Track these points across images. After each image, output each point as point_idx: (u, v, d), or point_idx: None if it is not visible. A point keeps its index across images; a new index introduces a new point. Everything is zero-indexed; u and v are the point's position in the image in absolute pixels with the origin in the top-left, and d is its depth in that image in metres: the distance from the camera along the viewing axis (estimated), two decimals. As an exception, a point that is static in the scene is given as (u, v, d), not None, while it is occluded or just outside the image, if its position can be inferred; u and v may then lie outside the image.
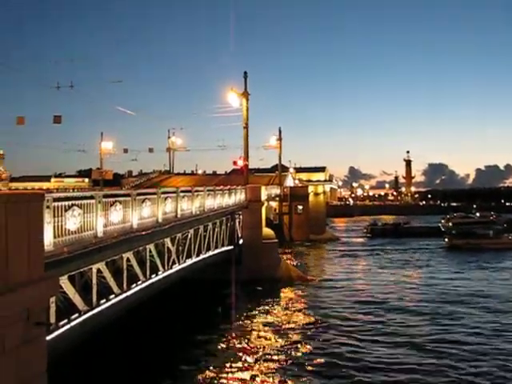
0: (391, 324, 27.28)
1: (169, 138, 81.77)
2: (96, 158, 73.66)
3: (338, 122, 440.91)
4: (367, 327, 26.56)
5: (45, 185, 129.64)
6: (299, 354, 22.44)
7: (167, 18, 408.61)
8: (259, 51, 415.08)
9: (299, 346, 23.55)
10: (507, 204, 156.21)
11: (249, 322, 27.56)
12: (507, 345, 23.73)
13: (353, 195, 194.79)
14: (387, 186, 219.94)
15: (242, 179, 47.30)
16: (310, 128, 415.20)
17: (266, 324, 27.25)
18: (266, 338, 24.70)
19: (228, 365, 20.69)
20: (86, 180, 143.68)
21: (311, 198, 79.75)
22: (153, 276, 21.10)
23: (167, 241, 22.94)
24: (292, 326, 26.98)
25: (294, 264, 46.55)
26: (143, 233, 19.11)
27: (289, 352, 22.58)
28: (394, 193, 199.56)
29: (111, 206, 16.76)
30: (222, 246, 33.82)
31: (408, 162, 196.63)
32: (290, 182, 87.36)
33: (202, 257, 28.64)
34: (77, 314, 14.91)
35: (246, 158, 47.89)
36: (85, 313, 15.27)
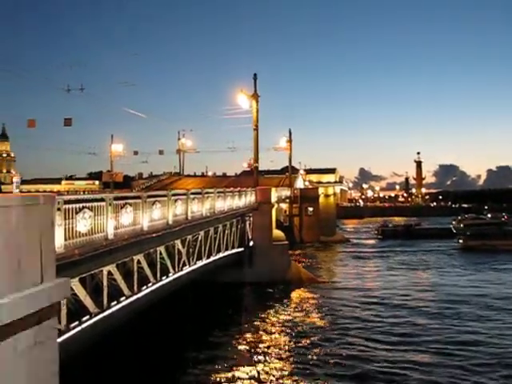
0: (406, 326, 27.01)
1: (179, 139, 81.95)
2: (106, 160, 74.07)
3: (348, 123, 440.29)
4: (379, 329, 26.31)
5: (56, 187, 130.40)
6: (310, 355, 22.35)
7: (177, 20, 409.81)
8: (269, 53, 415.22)
9: (310, 347, 23.49)
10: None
11: (259, 323, 27.51)
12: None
13: (363, 197, 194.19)
14: (398, 187, 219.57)
15: (251, 181, 47.30)
16: (320, 129, 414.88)
17: (276, 326, 27.21)
18: (277, 340, 24.66)
19: (239, 367, 20.66)
20: (97, 182, 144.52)
21: (321, 199, 79.55)
22: (163, 278, 21.13)
23: (178, 243, 22.97)
24: (303, 327, 26.90)
25: (305, 266, 46.38)
26: (154, 235, 19.15)
27: (300, 354, 22.54)
28: (405, 194, 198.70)
29: (122, 208, 16.81)
30: (233, 247, 33.83)
31: (418, 163, 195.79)
32: (300, 183, 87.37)
33: (212, 259, 28.66)
34: (88, 316, 14.95)
35: (256, 159, 47.87)
36: (96, 315, 15.31)
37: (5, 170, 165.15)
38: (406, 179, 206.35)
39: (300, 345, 23.83)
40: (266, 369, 20.61)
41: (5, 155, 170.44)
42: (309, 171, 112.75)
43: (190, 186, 67.29)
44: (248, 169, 62.20)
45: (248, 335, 25.25)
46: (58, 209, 12.39)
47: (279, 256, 39.19)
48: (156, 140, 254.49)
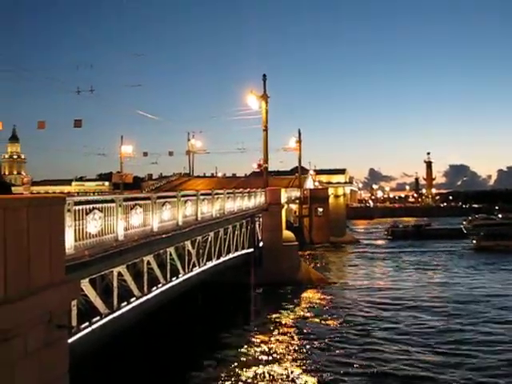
0: (421, 327, 26.85)
1: (188, 140, 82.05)
2: (116, 161, 74.20)
3: (358, 123, 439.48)
4: (392, 330, 26.17)
5: (66, 188, 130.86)
6: (321, 356, 22.30)
7: (187, 20, 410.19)
8: (279, 53, 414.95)
9: (320, 348, 23.45)
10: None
11: (269, 324, 27.46)
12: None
13: (373, 197, 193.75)
14: (408, 187, 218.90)
15: (261, 182, 47.22)
16: (330, 130, 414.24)
17: (286, 327, 27.16)
18: (287, 341, 24.59)
19: (248, 368, 20.61)
20: (107, 183, 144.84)
21: (331, 200, 79.42)
22: (173, 279, 21.13)
23: (187, 244, 22.97)
24: (313, 328, 26.84)
25: (315, 267, 46.29)
26: (163, 236, 19.15)
27: (310, 354, 22.50)
28: (415, 194, 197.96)
29: (132, 209, 16.83)
30: (243, 248, 33.80)
31: (429, 164, 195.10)
32: (309, 184, 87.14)
33: (222, 259, 28.63)
34: (98, 317, 14.97)
35: (266, 160, 47.82)
36: (106, 316, 15.33)
37: (15, 172, 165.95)
38: (416, 180, 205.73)
39: (310, 346, 23.76)
40: (277, 370, 20.54)
41: (15, 157, 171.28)
42: (318, 172, 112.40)
43: (200, 186, 67.32)
44: (257, 169, 62.11)
45: (258, 336, 25.21)
46: (68, 210, 12.41)
47: (289, 257, 39.10)
48: (166, 141, 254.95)
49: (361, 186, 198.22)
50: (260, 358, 22.00)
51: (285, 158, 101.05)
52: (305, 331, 26.27)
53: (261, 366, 20.89)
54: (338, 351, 22.99)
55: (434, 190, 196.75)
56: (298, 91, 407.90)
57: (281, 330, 26.39)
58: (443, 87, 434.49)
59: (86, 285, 13.88)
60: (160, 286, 19.68)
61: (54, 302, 8.02)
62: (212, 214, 26.59)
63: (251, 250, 35.88)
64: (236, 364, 21.11)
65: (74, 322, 13.10)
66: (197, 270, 24.18)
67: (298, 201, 70.11)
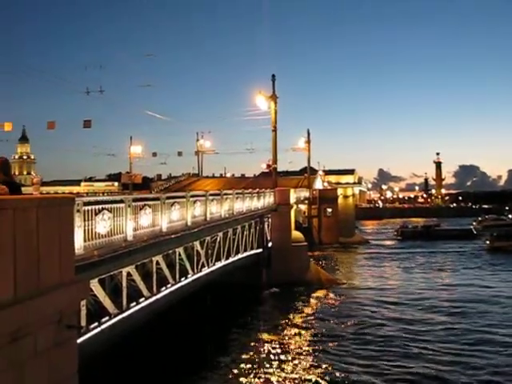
0: (432, 329, 26.70)
1: (197, 140, 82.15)
2: (125, 161, 74.53)
3: (367, 123, 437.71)
4: (401, 332, 26.00)
5: (75, 189, 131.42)
6: (330, 356, 22.26)
7: (197, 23, 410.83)
8: (288, 54, 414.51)
9: (329, 348, 23.41)
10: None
11: (279, 325, 27.41)
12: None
13: (382, 197, 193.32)
14: (417, 188, 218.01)
15: (270, 182, 47.25)
16: (339, 130, 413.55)
17: (296, 327, 27.11)
18: (296, 342, 24.58)
19: (258, 368, 20.59)
20: (116, 184, 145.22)
21: (340, 200, 79.25)
22: (182, 279, 21.15)
23: (196, 244, 23.00)
24: (323, 329, 26.77)
25: (324, 267, 46.20)
26: (172, 236, 19.18)
27: (319, 355, 22.46)
28: (424, 195, 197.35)
29: (141, 209, 16.86)
30: (251, 249, 33.81)
31: (438, 164, 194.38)
32: (318, 184, 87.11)
33: (231, 260, 28.65)
34: (107, 317, 15.00)
35: (275, 160, 47.82)
36: (115, 316, 15.36)
37: (25, 172, 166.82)
38: (426, 180, 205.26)
39: (320, 346, 23.72)
40: (286, 370, 20.53)
41: (25, 157, 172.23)
42: (327, 172, 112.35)
43: (209, 186, 67.39)
44: (266, 170, 62.21)
45: (267, 336, 25.18)
46: (78, 210, 12.45)
47: (298, 257, 39.06)
48: (175, 141, 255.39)
49: (370, 186, 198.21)
50: (269, 358, 21.95)
51: (294, 159, 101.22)
52: (314, 331, 26.24)
53: (270, 366, 20.86)
54: (347, 351, 22.95)
55: (443, 191, 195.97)
56: (307, 91, 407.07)
57: (290, 331, 26.36)
58: (453, 87, 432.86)
59: (95, 285, 13.91)
60: (169, 286, 19.70)
61: (64, 301, 8.03)
62: (221, 214, 26.61)
63: (260, 250, 35.88)
64: (245, 364, 21.06)
65: (84, 322, 13.13)
66: (206, 271, 24.21)
67: (307, 201, 70.04)
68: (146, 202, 17.45)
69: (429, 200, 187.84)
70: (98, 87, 43.41)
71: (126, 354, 19.17)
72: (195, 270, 22.81)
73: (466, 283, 40.15)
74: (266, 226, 37.99)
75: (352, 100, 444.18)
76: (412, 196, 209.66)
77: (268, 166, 61.51)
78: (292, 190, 44.49)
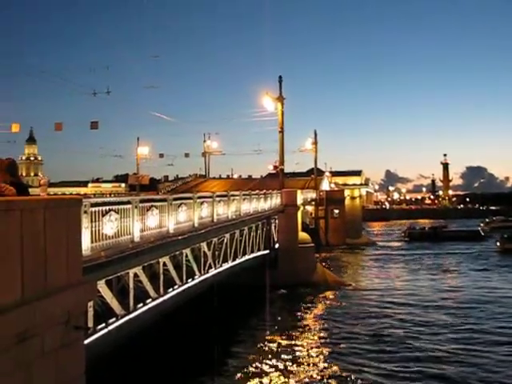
0: (438, 331, 26.48)
1: (204, 141, 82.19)
2: (132, 163, 74.85)
3: (374, 125, 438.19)
4: (408, 334, 25.85)
5: (82, 190, 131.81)
6: (337, 356, 22.21)
7: (203, 24, 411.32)
8: (295, 55, 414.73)
9: (336, 349, 23.36)
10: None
11: (285, 326, 27.36)
12: None
13: (389, 199, 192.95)
14: (424, 189, 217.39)
15: (277, 183, 47.21)
16: (346, 131, 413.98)
17: (302, 328, 27.07)
18: (302, 342, 24.52)
19: (264, 370, 20.56)
20: (123, 185, 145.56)
21: (347, 201, 79.17)
22: (189, 280, 21.16)
23: (203, 245, 23.00)
24: (329, 330, 26.76)
25: (331, 268, 46.07)
26: (179, 237, 19.17)
27: (327, 356, 22.40)
28: (431, 196, 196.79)
29: (148, 210, 16.86)
30: (258, 250, 33.79)
31: (445, 165, 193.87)
32: (325, 185, 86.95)
33: (238, 261, 28.65)
34: (114, 319, 15.01)
35: (282, 162, 47.79)
36: (122, 317, 15.37)
37: (32, 173, 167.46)
38: (433, 181, 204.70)
39: (327, 347, 23.67)
40: (293, 372, 20.48)
41: (32, 158, 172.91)
42: (334, 173, 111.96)
43: (216, 188, 67.44)
44: (273, 171, 62.20)
45: (274, 338, 25.09)
46: (85, 211, 12.46)
47: (305, 258, 39.02)
48: (182, 143, 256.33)
49: (377, 187, 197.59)
50: (276, 359, 21.88)
51: (301, 160, 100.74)
52: (321, 333, 26.22)
53: (277, 368, 20.81)
54: (354, 352, 22.88)
55: (450, 192, 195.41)
56: (314, 93, 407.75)
57: (297, 332, 26.29)
58: (461, 88, 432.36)
59: (102, 286, 13.93)
60: (176, 287, 19.70)
61: (71, 302, 8.04)
62: (228, 215, 26.60)
63: (267, 251, 35.85)
64: (252, 366, 21.02)
65: (91, 324, 13.15)
66: (212, 272, 24.20)
67: (313, 202, 69.95)
68: (153, 203, 17.45)
69: (436, 201, 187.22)
70: (105, 88, 43.50)
71: (133, 354, 19.19)
72: (202, 272, 22.82)
73: (475, 285, 39.86)
74: (272, 228, 37.97)
75: (359, 101, 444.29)
76: (419, 197, 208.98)
77: (275, 167, 61.67)
78: (299, 192, 44.44)
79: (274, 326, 27.31)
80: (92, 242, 13.04)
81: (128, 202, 15.57)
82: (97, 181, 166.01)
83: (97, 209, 13.45)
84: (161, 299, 18.17)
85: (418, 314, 29.79)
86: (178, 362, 20.63)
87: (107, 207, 14.12)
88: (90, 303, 12.42)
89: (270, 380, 19.67)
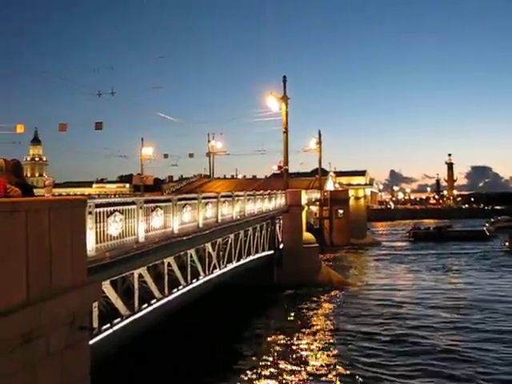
0: (445, 331, 26.33)
1: (208, 142, 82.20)
2: (137, 163, 74.83)
3: (378, 124, 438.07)
4: (413, 334, 25.71)
5: (87, 190, 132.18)
6: (342, 357, 22.14)
7: (206, 24, 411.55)
8: (299, 55, 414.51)
9: (342, 349, 23.29)
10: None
11: (290, 326, 27.34)
12: None
13: (394, 199, 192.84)
14: (429, 189, 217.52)
15: (281, 183, 47.16)
16: (351, 131, 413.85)
17: (307, 328, 26.99)
18: (307, 342, 24.46)
19: (268, 370, 20.53)
20: (127, 185, 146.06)
21: (352, 201, 79.10)
22: (194, 281, 21.17)
23: (208, 246, 23.01)
24: (334, 329, 26.68)
25: (335, 268, 45.99)
26: (184, 238, 19.19)
27: (332, 356, 22.32)
28: (436, 196, 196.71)
29: (152, 211, 16.88)
30: (263, 250, 33.78)
31: (450, 165, 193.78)
32: (330, 185, 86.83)
33: (242, 261, 28.64)
34: (119, 319, 15.03)
35: (286, 162, 47.76)
36: (127, 317, 15.38)
37: (37, 174, 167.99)
38: (437, 181, 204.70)
39: (332, 347, 23.58)
40: (298, 372, 20.43)
41: (37, 159, 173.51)
42: (339, 173, 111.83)
43: (220, 188, 67.45)
44: (278, 171, 62.13)
45: (279, 338, 25.03)
46: (90, 212, 12.48)
47: (309, 258, 38.97)
48: (186, 143, 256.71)
49: (381, 187, 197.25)
50: (281, 359, 21.85)
51: (305, 160, 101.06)
52: (327, 333, 26.13)
53: (282, 368, 20.78)
54: (359, 352, 22.83)
55: (455, 192, 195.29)
56: (318, 93, 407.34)
57: (302, 332, 26.23)
58: (465, 88, 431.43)
59: (107, 286, 13.94)
60: (181, 287, 19.72)
61: (76, 303, 8.05)
62: (232, 215, 26.61)
63: (271, 251, 35.84)
64: (256, 365, 21.02)
65: (96, 324, 13.16)
66: (217, 272, 24.21)
67: (318, 203, 69.89)
68: (158, 204, 17.47)
69: (441, 201, 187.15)
70: (109, 89, 43.60)
71: (137, 354, 19.22)
72: (207, 272, 22.82)
73: (483, 285, 39.65)
74: (277, 228, 37.94)
75: (363, 101, 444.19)
76: (424, 197, 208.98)
77: (279, 167, 61.73)
78: (303, 192, 44.39)
79: (279, 326, 27.27)
80: (97, 243, 13.06)
81: (133, 203, 15.59)
82: (101, 181, 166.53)
83: (101, 209, 13.47)
84: (165, 300, 18.19)
85: (425, 315, 29.68)
86: (182, 362, 20.62)
87: (112, 208, 14.14)
88: (95, 304, 12.43)
89: (275, 380, 19.65)
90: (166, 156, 77.80)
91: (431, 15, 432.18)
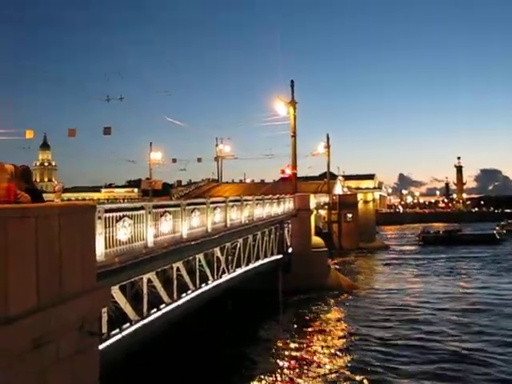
0: (457, 335, 26.29)
1: (216, 146, 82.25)
2: (145, 168, 75.01)
3: (387, 128, 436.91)
4: (423, 337, 25.64)
5: (95, 195, 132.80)
6: (352, 361, 22.12)
7: (214, 28, 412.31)
8: (308, 59, 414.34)
9: (351, 353, 23.24)
10: None
11: (299, 330, 27.34)
12: None
13: (402, 202, 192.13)
14: (438, 192, 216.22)
15: (289, 187, 47.16)
16: (359, 135, 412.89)
17: (316, 332, 27.01)
18: (316, 346, 24.47)
19: (277, 375, 20.51)
20: (136, 190, 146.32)
21: (360, 205, 78.83)
22: (203, 285, 21.16)
23: (216, 250, 23.00)
24: (344, 334, 26.66)
25: (344, 272, 45.85)
26: (193, 243, 19.18)
27: (342, 360, 22.30)
28: (445, 200, 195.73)
29: (161, 216, 16.89)
30: (272, 254, 33.73)
31: (459, 168, 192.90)
32: (338, 189, 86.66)
33: (251, 266, 28.60)
34: (128, 324, 15.04)
35: (294, 166, 47.73)
36: (136, 322, 15.39)
37: (46, 179, 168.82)
38: (447, 185, 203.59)
39: (342, 351, 23.55)
40: (307, 376, 20.42)
41: (46, 164, 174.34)
42: (347, 177, 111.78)
43: (228, 192, 67.42)
44: (285, 175, 62.17)
45: (288, 342, 25.03)
46: (99, 217, 12.51)
47: (318, 263, 38.91)
48: (194, 148, 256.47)
49: (390, 191, 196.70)
50: (290, 363, 21.87)
51: (313, 164, 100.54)
52: (336, 337, 26.13)
53: (291, 373, 20.78)
54: (369, 355, 22.81)
55: (464, 195, 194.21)
56: (327, 96, 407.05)
57: (312, 336, 26.25)
58: (474, 91, 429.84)
59: (116, 291, 13.96)
60: (189, 292, 19.71)
61: (86, 308, 8.08)
62: (241, 220, 26.61)
63: (280, 256, 35.78)
64: (266, 370, 21.01)
65: (105, 329, 13.18)
66: (226, 277, 24.18)
67: (326, 206, 69.78)
68: (167, 209, 17.49)
69: (450, 205, 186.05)
70: (117, 94, 43.77)
71: (146, 359, 19.24)
72: (215, 277, 22.81)
73: (493, 289, 39.48)
74: (286, 232, 37.90)
75: (371, 105, 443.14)
76: (433, 201, 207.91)
77: (282, 171, 62.31)
78: (312, 196, 44.36)
79: (288, 330, 27.26)
80: (106, 248, 13.08)
81: (141, 208, 15.62)
82: (110, 186, 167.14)
83: (110, 215, 13.50)
84: (174, 304, 18.18)
85: (435, 319, 29.55)
86: (191, 366, 20.60)
87: (121, 213, 14.17)
88: (104, 309, 12.46)
89: (283, 382, 19.64)
90: (174, 161, 77.95)
91: (441, 17, 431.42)
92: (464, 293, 38.31)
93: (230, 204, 25.05)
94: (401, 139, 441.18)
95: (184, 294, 19.23)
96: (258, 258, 30.20)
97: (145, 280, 15.98)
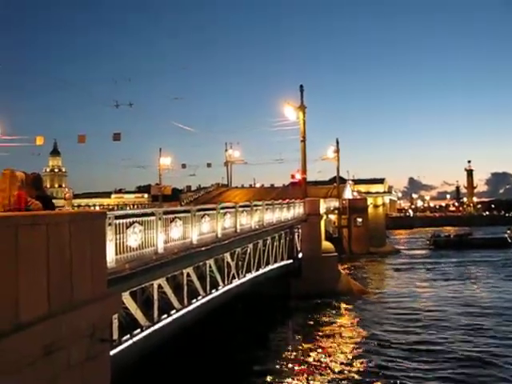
0: (463, 343, 25.77)
1: (226, 151, 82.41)
2: (155, 173, 75.26)
3: (397, 132, 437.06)
4: (435, 347, 25.35)
5: (105, 201, 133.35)
6: (362, 366, 21.99)
7: (225, 33, 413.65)
8: (317, 64, 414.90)
9: (363, 358, 23.11)
10: None
11: (309, 335, 27.23)
12: None
13: (413, 206, 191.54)
14: (448, 196, 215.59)
15: (299, 192, 47.11)
16: (369, 139, 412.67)
17: (327, 337, 26.86)
18: (327, 351, 24.31)
19: (287, 381, 20.46)
20: (146, 195, 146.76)
21: (370, 210, 78.66)
22: (213, 291, 21.17)
23: (227, 256, 23.01)
24: (355, 339, 26.52)
25: (355, 277, 45.71)
26: (203, 248, 19.21)
27: (353, 365, 22.20)
28: (456, 203, 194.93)
29: (171, 222, 16.93)
30: (282, 260, 33.71)
31: (470, 172, 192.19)
32: (348, 193, 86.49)
33: (261, 271, 28.59)
34: (139, 330, 15.07)
35: (304, 171, 47.71)
36: (146, 328, 15.42)
37: (57, 185, 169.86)
38: (457, 188, 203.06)
39: (354, 356, 23.44)
40: (318, 381, 20.35)
41: (56, 170, 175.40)
42: (357, 181, 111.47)
43: (238, 197, 67.51)
44: (295, 180, 62.19)
45: (300, 347, 24.96)
46: (109, 224, 12.55)
47: (328, 267, 38.78)
48: (204, 153, 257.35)
49: (400, 195, 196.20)
50: (302, 368, 21.80)
51: (323, 168, 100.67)
52: (348, 342, 25.96)
53: (302, 376, 20.73)
54: (380, 360, 22.68)
55: (475, 199, 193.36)
56: (336, 101, 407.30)
57: (322, 341, 26.14)
58: (484, 93, 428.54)
59: (126, 297, 13.99)
60: (200, 298, 19.73)
61: (97, 315, 8.09)
62: (251, 225, 26.61)
63: (290, 261, 35.75)
64: (278, 375, 20.97)
65: (116, 335, 13.20)
66: (236, 282, 24.18)
67: (336, 211, 69.69)
68: (177, 215, 17.53)
69: (460, 208, 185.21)
70: (127, 100, 43.96)
71: (158, 364, 19.23)
72: (226, 282, 22.81)
73: (504, 293, 39.12)
74: (295, 237, 37.87)
75: (381, 109, 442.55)
76: (443, 204, 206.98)
77: (292, 176, 62.50)
78: (322, 200, 44.30)
79: (299, 335, 27.24)
80: (116, 254, 13.12)
81: (152, 214, 15.66)
82: (119, 192, 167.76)
83: (121, 221, 13.54)
84: (185, 310, 18.20)
85: (447, 323, 29.28)
86: (202, 370, 20.55)
87: (131, 219, 14.21)
88: (115, 315, 12.48)
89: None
90: (183, 166, 78.21)
91: (449, 20, 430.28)
92: (475, 297, 38.03)
93: (240, 209, 25.07)
94: (411, 143, 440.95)
95: (194, 300, 19.26)
96: (268, 263, 30.19)
97: (155, 286, 16.01)
